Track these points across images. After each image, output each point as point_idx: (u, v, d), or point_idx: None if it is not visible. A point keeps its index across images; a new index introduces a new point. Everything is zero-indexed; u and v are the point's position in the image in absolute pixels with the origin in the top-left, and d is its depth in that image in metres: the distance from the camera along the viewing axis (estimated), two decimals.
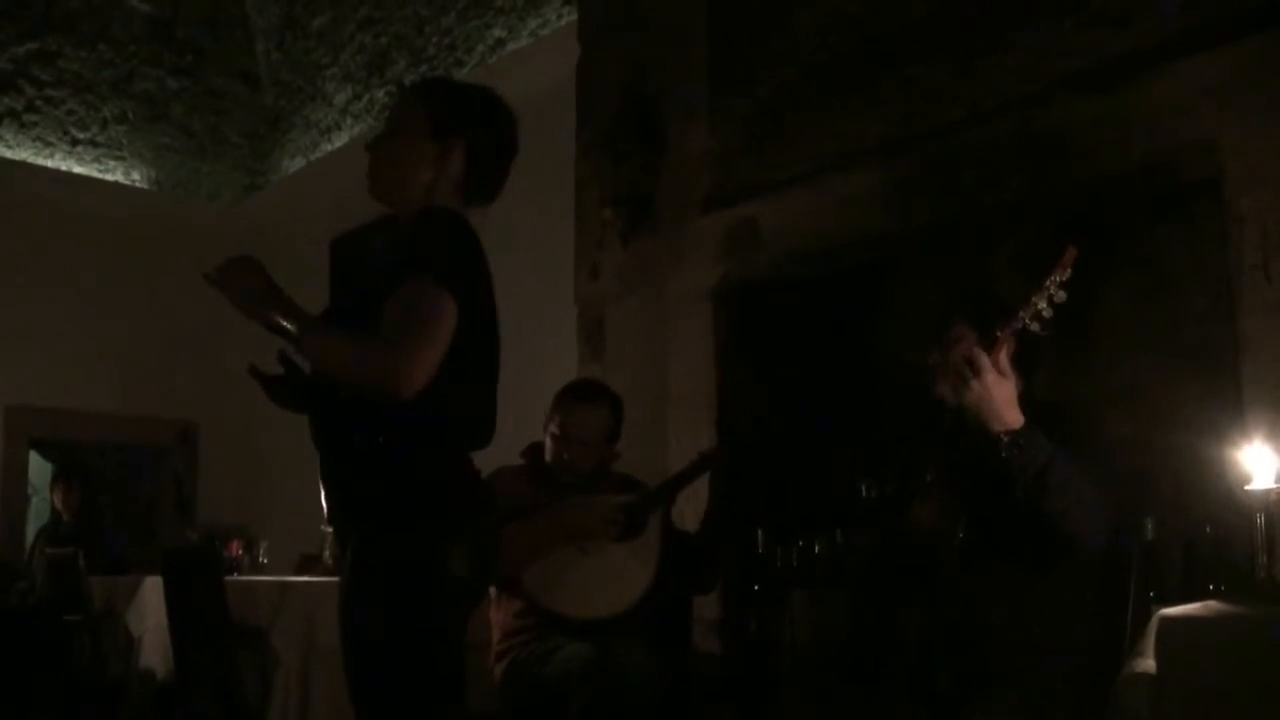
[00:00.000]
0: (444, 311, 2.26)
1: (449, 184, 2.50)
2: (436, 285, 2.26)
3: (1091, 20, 3.70)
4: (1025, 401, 2.79)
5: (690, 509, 4.04)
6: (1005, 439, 2.66)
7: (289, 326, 2.28)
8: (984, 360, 2.67)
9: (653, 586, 3.56)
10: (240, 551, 5.78)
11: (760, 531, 3.90)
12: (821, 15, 4.49)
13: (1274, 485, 2.49)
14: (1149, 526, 2.84)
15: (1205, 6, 3.45)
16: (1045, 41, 3.80)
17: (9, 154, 8.11)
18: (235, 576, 5.23)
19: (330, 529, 4.95)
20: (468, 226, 2.43)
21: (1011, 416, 2.67)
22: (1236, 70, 3.34)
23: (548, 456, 3.74)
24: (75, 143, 8.40)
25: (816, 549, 3.66)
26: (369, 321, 2.28)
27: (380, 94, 7.88)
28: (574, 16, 5.82)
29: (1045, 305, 2.66)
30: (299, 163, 8.73)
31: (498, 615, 3.64)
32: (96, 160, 8.49)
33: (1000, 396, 2.67)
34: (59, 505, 7.08)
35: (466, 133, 2.50)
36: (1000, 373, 2.68)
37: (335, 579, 4.52)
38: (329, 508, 2.47)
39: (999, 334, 2.71)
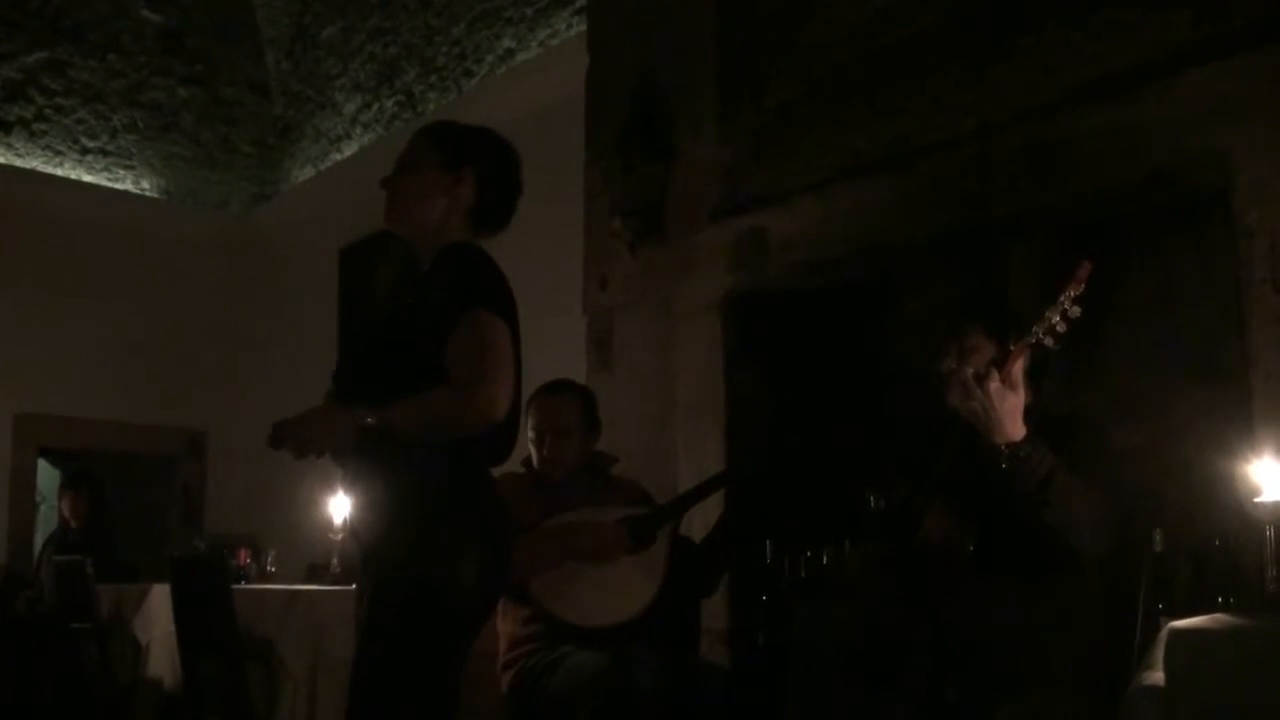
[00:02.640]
0: (503, 337, 2.42)
1: (461, 212, 2.62)
2: (490, 314, 2.41)
3: (1101, 31, 3.70)
4: (1036, 413, 2.79)
5: (698, 519, 4.04)
6: (1005, 450, 2.66)
7: (374, 426, 2.34)
8: (989, 371, 2.67)
9: (660, 596, 3.56)
10: (248, 560, 5.78)
11: (768, 542, 3.89)
12: (830, 27, 4.49)
13: None
14: (1158, 538, 2.84)
15: (1216, 18, 3.45)
16: (1054, 52, 3.80)
17: (19, 162, 8.14)
18: (243, 585, 5.24)
19: (338, 536, 4.99)
20: (492, 259, 2.55)
21: (1013, 428, 2.68)
22: (1247, 82, 3.33)
23: (534, 462, 3.77)
24: (85, 151, 8.42)
25: (825, 559, 3.66)
26: (423, 361, 2.39)
27: (390, 104, 7.90)
28: (583, 27, 5.83)
29: (1059, 320, 2.66)
30: (308, 172, 8.75)
31: (505, 624, 3.64)
32: (106, 169, 8.51)
33: (1004, 408, 2.67)
34: (67, 513, 7.09)
35: (475, 163, 2.63)
36: (1009, 385, 2.68)
37: (343, 588, 4.55)
38: (355, 521, 2.53)
39: (1012, 348, 2.72)
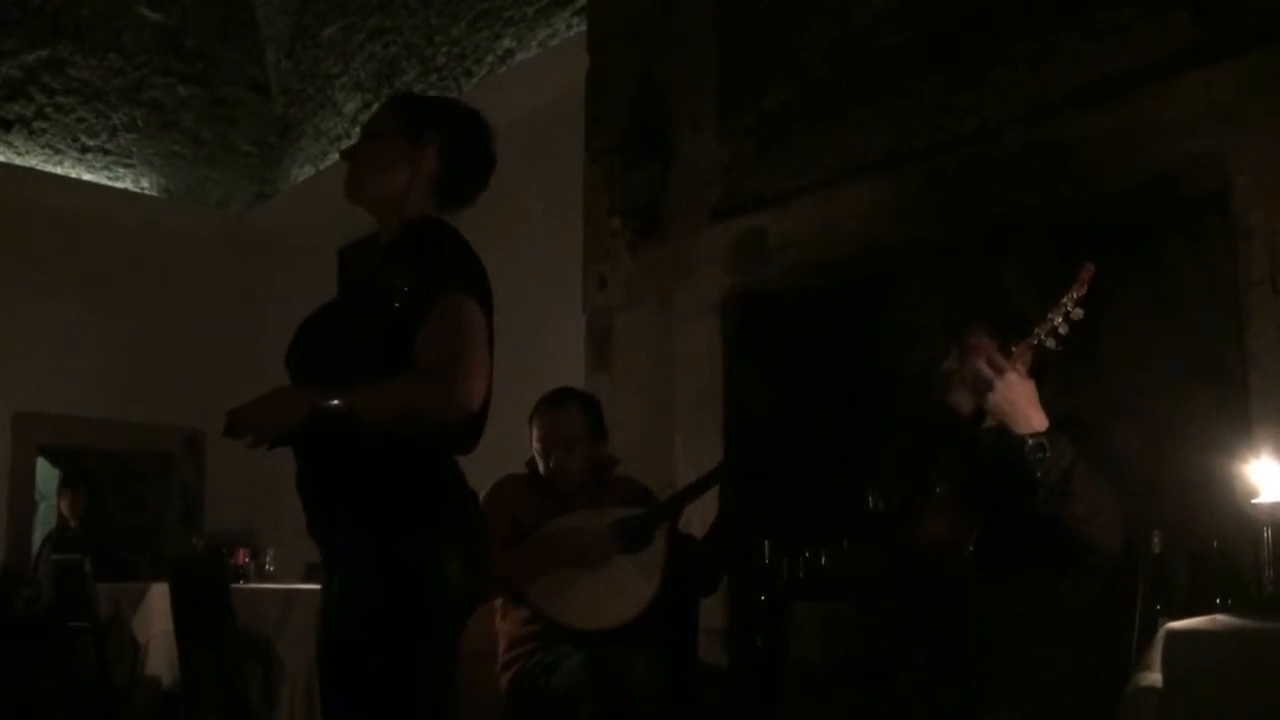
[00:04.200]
0: (480, 323, 2.31)
1: (425, 183, 2.52)
2: (467, 299, 2.30)
3: (1100, 33, 3.70)
4: None
5: (697, 518, 4.04)
6: (1031, 441, 2.64)
7: (337, 408, 2.22)
8: (1004, 360, 2.66)
9: (657, 597, 3.56)
10: (247, 559, 5.78)
11: (767, 542, 3.90)
12: (830, 28, 4.49)
13: None
14: (1156, 539, 2.84)
15: (1214, 20, 3.45)
16: (1054, 54, 3.80)
17: (19, 161, 8.14)
18: (241, 584, 5.24)
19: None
20: (461, 236, 2.45)
21: (1036, 419, 2.66)
22: (1245, 84, 3.34)
23: (540, 469, 3.76)
24: (85, 150, 8.42)
25: (823, 560, 3.66)
26: (389, 342, 2.29)
27: None
28: (583, 28, 5.83)
29: (1062, 322, 2.66)
30: (308, 171, 8.75)
31: (504, 625, 3.64)
32: (106, 168, 8.51)
33: (1024, 398, 2.66)
34: (66, 512, 7.08)
35: (439, 132, 2.53)
36: (1020, 374, 2.67)
37: None
38: (311, 518, 2.45)
39: (1014, 349, 2.71)
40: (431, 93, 7.44)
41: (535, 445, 3.76)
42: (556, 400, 3.84)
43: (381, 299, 2.34)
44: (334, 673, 2.37)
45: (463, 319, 2.28)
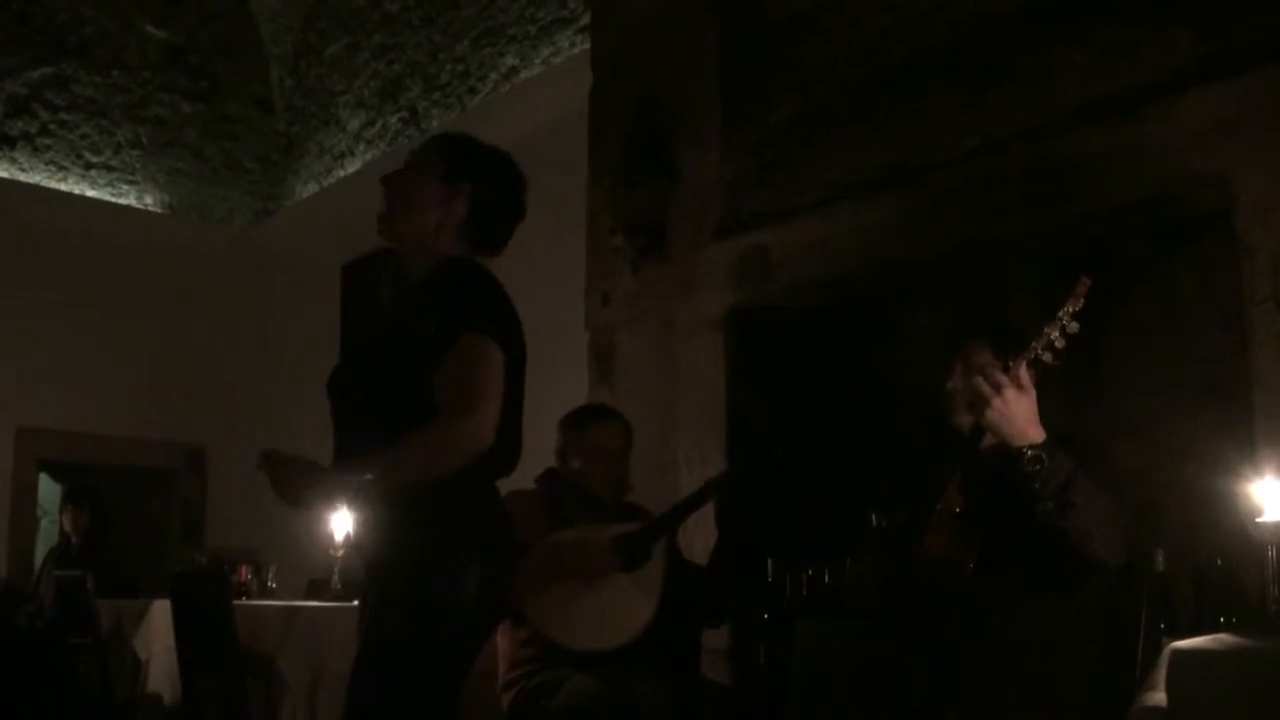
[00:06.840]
0: (496, 363, 2.37)
1: (453, 228, 2.57)
2: (485, 339, 2.36)
3: (1103, 51, 3.71)
4: None
5: (699, 540, 4.03)
6: (1027, 454, 2.64)
7: (357, 481, 2.32)
8: (1002, 376, 2.66)
9: (657, 616, 3.55)
10: (249, 576, 5.77)
11: (770, 560, 3.89)
12: (833, 45, 4.50)
13: None
14: (1160, 558, 2.83)
15: (1217, 37, 3.46)
16: (1057, 72, 3.81)
17: (23, 177, 8.15)
18: (243, 601, 5.23)
19: (339, 552, 4.98)
20: (491, 274, 2.52)
21: (1033, 432, 2.66)
22: (1248, 101, 3.34)
23: (598, 479, 3.75)
24: (89, 166, 8.44)
25: (826, 578, 3.65)
26: (413, 379, 2.36)
27: (393, 120, 7.91)
28: (586, 45, 5.84)
29: (1058, 335, 2.66)
30: (312, 188, 8.76)
31: (504, 643, 3.63)
32: (110, 184, 8.53)
33: (1021, 412, 2.65)
34: (68, 527, 7.08)
35: (474, 179, 2.59)
36: (1020, 387, 2.67)
37: (344, 604, 4.54)
38: (359, 535, 2.52)
39: (1011, 363, 2.71)
40: (434, 111, 7.46)
41: (589, 451, 3.75)
42: (604, 413, 3.88)
43: (408, 340, 2.43)
44: (358, 686, 2.44)
45: (475, 362, 2.35)
